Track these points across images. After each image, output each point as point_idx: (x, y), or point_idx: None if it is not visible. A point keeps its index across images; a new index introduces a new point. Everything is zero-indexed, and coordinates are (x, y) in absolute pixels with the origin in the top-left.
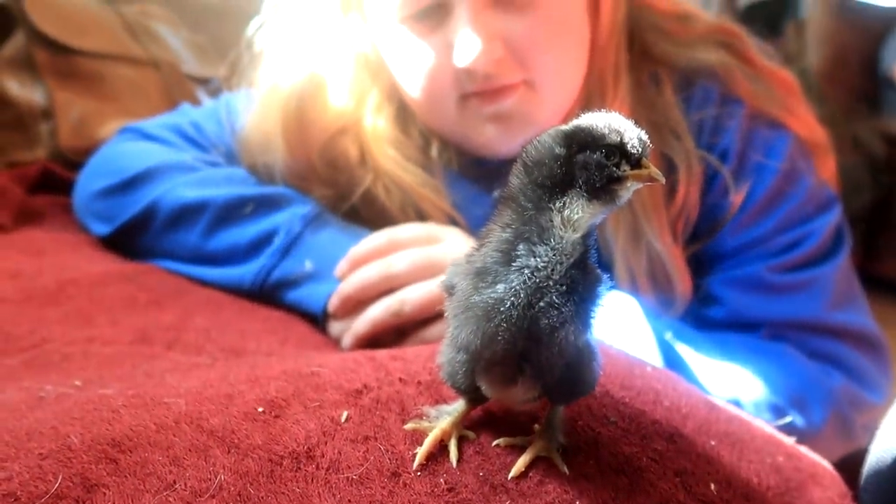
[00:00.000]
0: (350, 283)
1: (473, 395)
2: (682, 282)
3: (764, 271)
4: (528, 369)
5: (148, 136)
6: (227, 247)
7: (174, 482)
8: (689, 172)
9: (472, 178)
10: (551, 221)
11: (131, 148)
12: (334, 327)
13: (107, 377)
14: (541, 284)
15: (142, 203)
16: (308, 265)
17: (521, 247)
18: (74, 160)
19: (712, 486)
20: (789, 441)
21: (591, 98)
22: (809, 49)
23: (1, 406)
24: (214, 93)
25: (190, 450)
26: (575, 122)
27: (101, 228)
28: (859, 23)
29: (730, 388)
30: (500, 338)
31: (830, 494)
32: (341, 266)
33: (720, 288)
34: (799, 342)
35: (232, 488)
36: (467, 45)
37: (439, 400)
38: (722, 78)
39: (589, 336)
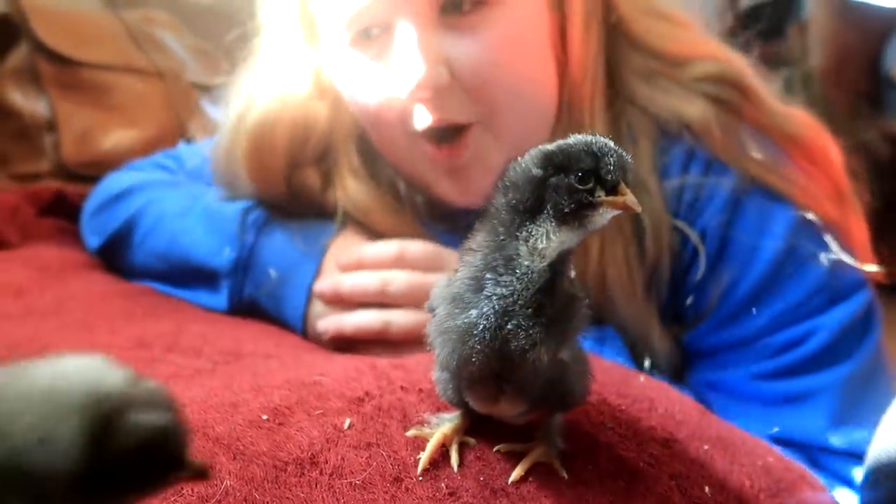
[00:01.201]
0: (347, 284)
1: (467, 409)
2: (662, 349)
3: (747, 380)
4: (508, 387)
5: (135, 168)
6: (192, 272)
7: (181, 488)
8: (656, 238)
9: (440, 219)
10: (518, 252)
11: (122, 174)
12: (316, 308)
13: None
14: (508, 309)
15: (124, 215)
16: (273, 274)
17: (488, 275)
18: (78, 172)
19: (706, 489)
20: (775, 445)
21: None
22: (812, 50)
23: None
24: (219, 101)
25: (196, 456)
26: (557, 143)
27: (94, 241)
28: (862, 24)
29: None
30: (474, 359)
31: (821, 497)
32: (348, 260)
33: (703, 390)
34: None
35: (238, 493)
36: (408, 70)
37: (440, 408)
38: (702, 139)
39: (572, 352)
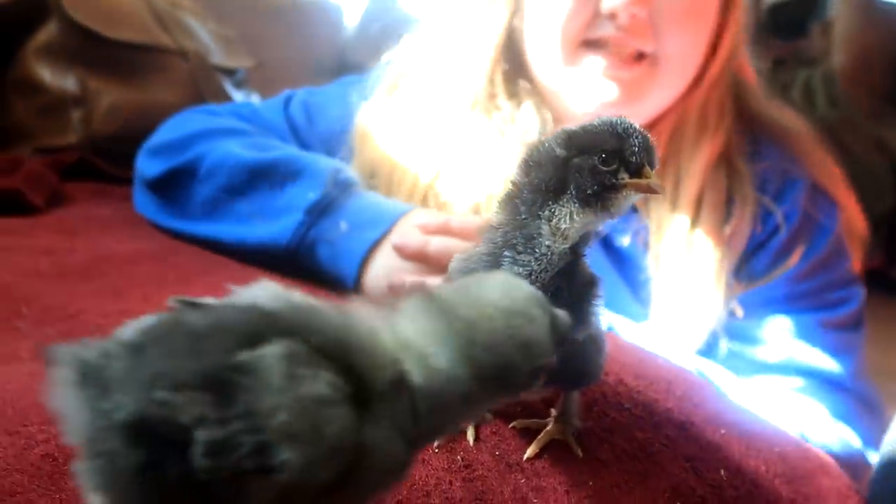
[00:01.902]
0: (434, 244)
1: None
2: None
3: (818, 324)
4: None
5: (212, 113)
6: (262, 205)
7: None
8: (742, 209)
9: None
10: (540, 231)
11: (196, 116)
12: (373, 267)
13: None
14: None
15: (193, 152)
16: (343, 226)
17: (506, 253)
18: (105, 147)
19: (722, 472)
20: (797, 434)
21: (687, 122)
22: (834, 49)
23: (39, 374)
24: (240, 84)
25: None
26: (581, 124)
27: (153, 169)
28: (885, 24)
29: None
30: None
31: (838, 485)
32: (435, 223)
33: (771, 332)
34: (837, 399)
35: None
36: None
37: None
38: (792, 143)
39: (588, 331)
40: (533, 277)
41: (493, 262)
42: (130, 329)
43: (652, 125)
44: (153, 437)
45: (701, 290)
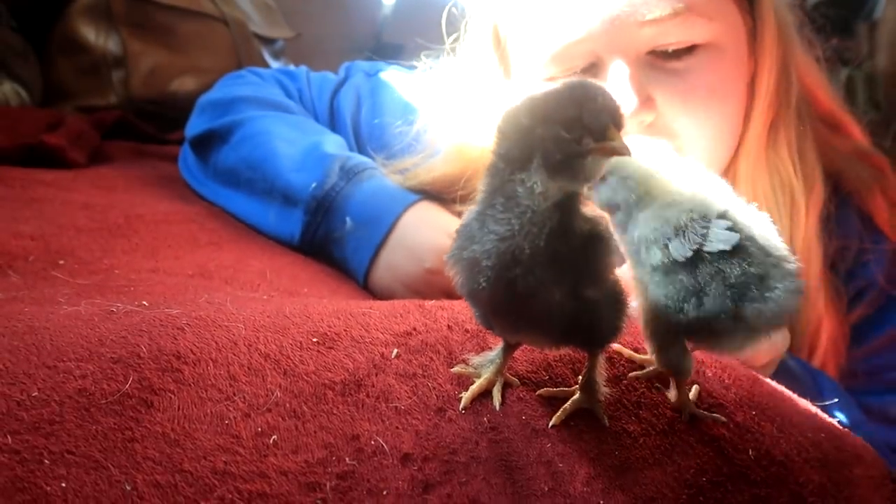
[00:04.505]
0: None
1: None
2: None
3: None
4: (524, 323)
5: (261, 77)
6: (272, 185)
7: (233, 395)
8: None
9: None
10: (515, 192)
11: (244, 79)
12: (379, 269)
13: (171, 301)
14: (515, 252)
15: (233, 116)
16: (349, 223)
17: (489, 212)
18: (144, 108)
19: (750, 453)
20: (832, 420)
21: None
22: (879, 51)
23: (76, 316)
24: (278, 53)
25: (248, 369)
26: (545, 91)
27: (195, 128)
28: None
29: None
30: (482, 290)
31: (872, 473)
32: None
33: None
34: None
35: (287, 405)
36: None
37: (484, 348)
38: (864, 200)
39: (604, 289)
40: (515, 232)
41: (481, 220)
42: None
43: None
44: None
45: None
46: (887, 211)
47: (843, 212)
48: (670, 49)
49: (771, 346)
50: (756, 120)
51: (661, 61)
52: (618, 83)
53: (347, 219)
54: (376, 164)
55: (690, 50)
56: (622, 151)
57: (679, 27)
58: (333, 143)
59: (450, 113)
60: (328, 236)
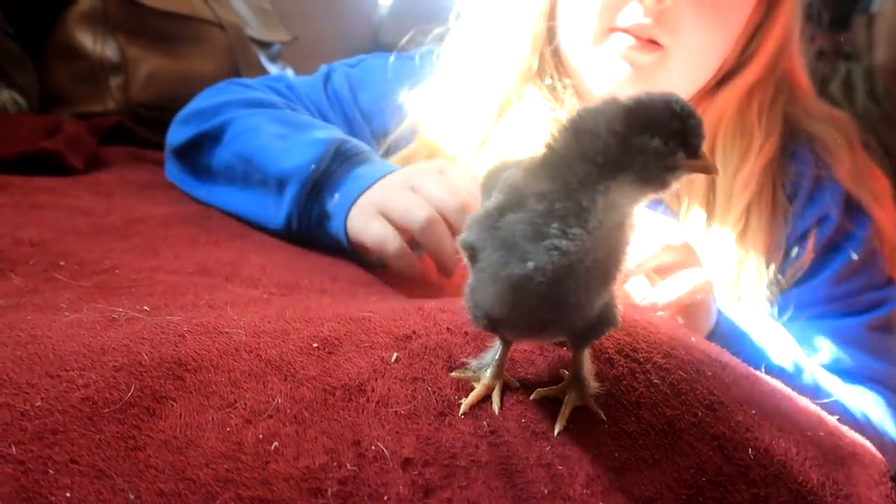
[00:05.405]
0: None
1: (502, 338)
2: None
3: (863, 328)
4: (551, 327)
5: (246, 85)
6: (266, 174)
7: (235, 401)
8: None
9: None
10: (594, 202)
11: (230, 87)
12: (355, 220)
13: (172, 305)
14: (573, 266)
15: (221, 119)
16: (336, 197)
17: (554, 225)
18: (142, 114)
19: (750, 452)
20: (832, 419)
21: (726, 126)
22: (878, 45)
23: (79, 324)
24: (275, 57)
25: (249, 375)
26: (636, 98)
27: (181, 136)
28: None
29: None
30: (526, 310)
31: (871, 472)
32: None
33: (816, 336)
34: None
35: (288, 411)
36: None
37: (483, 350)
38: (828, 154)
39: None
40: (583, 253)
41: (536, 232)
42: None
43: None
44: None
45: (749, 297)
46: (849, 163)
47: (801, 150)
48: None
49: (686, 284)
50: (745, 75)
51: None
52: None
53: (336, 194)
54: (372, 149)
55: None
56: (712, 171)
57: None
58: (326, 131)
59: (435, 103)
60: (321, 215)
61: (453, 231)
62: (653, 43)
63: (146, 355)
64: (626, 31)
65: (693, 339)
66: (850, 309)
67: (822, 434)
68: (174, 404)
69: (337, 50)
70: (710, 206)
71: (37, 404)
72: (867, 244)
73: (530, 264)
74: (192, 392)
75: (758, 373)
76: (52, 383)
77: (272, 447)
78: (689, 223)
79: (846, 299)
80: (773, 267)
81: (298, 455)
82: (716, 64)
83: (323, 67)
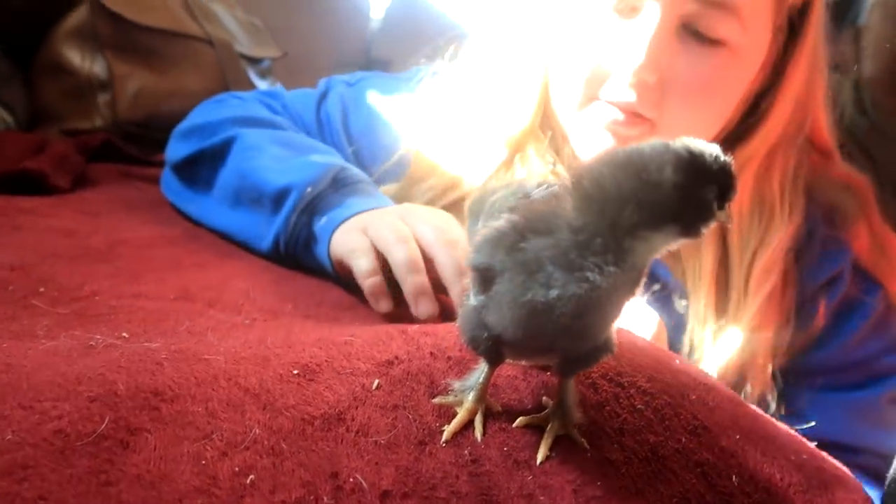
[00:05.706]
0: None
1: (493, 358)
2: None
3: (881, 400)
4: (558, 351)
5: (243, 100)
6: (261, 193)
7: (211, 433)
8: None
9: None
10: (633, 247)
11: (230, 101)
12: (336, 244)
13: (151, 332)
14: (601, 300)
15: (224, 136)
16: (323, 220)
17: (592, 259)
18: (130, 131)
19: (734, 479)
20: (812, 444)
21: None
22: (865, 57)
23: (55, 352)
24: (265, 73)
25: (227, 404)
26: (690, 148)
27: (182, 151)
28: None
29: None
30: (541, 336)
31: (854, 497)
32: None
33: (816, 406)
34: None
35: (265, 442)
36: (632, 53)
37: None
38: (843, 222)
39: None
40: (612, 291)
41: (568, 262)
42: None
43: None
44: None
45: (756, 364)
46: (867, 239)
47: (810, 206)
48: (701, 35)
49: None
50: (757, 140)
51: (689, 39)
52: (642, 33)
53: (325, 217)
54: (370, 180)
55: (714, 43)
56: (731, 222)
57: (718, 18)
58: (326, 156)
59: (431, 129)
60: (308, 238)
61: (429, 266)
62: (637, 116)
63: (122, 385)
64: (610, 103)
65: (677, 360)
66: (865, 377)
67: (805, 458)
68: (149, 436)
69: (328, 66)
70: (719, 288)
71: (7, 437)
72: (880, 307)
73: (555, 292)
74: (167, 423)
75: (738, 397)
76: (25, 415)
77: (248, 480)
78: (695, 306)
79: (859, 366)
80: (783, 333)
81: (275, 489)
82: (709, 135)
83: (321, 84)
